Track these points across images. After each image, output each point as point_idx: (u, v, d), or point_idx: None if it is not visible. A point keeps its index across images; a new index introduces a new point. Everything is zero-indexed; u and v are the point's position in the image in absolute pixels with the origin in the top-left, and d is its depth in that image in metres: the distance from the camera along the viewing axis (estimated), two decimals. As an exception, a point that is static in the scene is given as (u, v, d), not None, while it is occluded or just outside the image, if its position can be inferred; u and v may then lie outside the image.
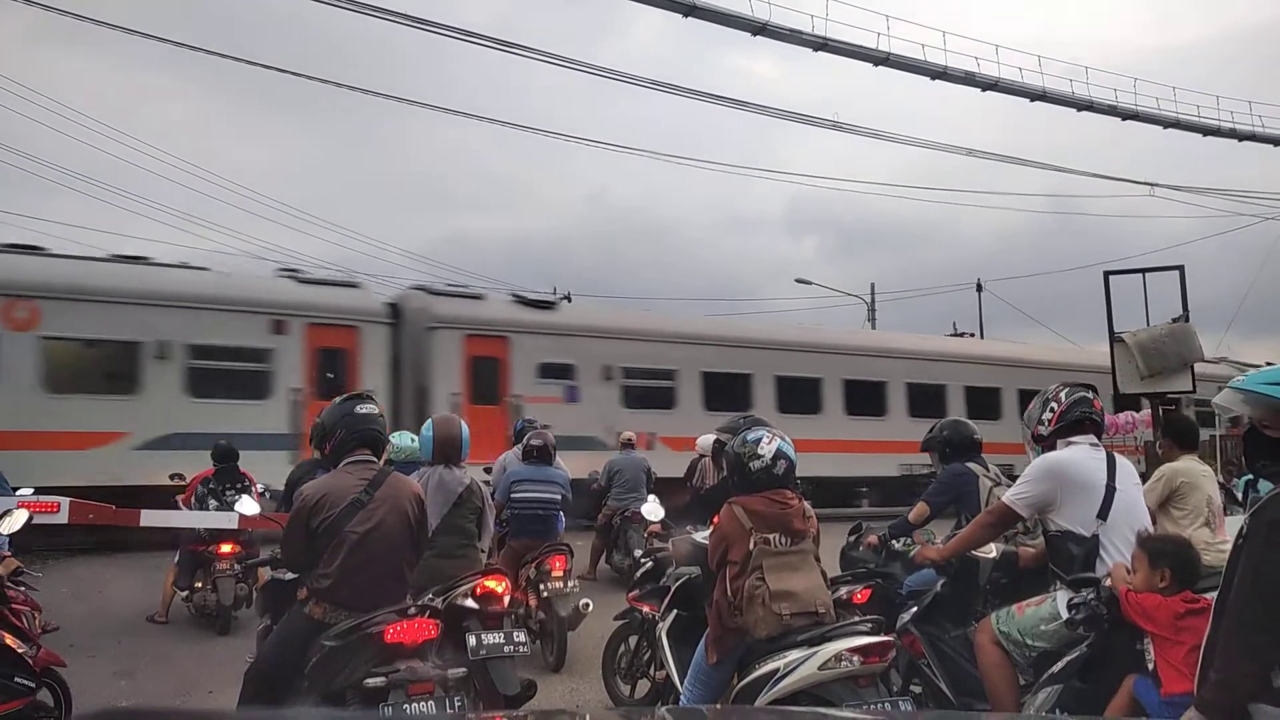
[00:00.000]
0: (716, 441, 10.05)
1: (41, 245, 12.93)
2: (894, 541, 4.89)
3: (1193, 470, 5.03)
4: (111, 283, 12.26)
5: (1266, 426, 2.41)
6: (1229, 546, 4.53)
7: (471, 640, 4.31)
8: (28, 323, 11.46)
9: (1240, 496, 7.24)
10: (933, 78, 17.78)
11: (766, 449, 3.75)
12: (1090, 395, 3.92)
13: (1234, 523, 5.02)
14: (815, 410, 17.04)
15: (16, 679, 3.83)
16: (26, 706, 3.89)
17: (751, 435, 3.85)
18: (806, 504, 3.82)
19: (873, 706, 3.38)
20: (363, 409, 3.81)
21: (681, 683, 4.15)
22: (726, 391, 16.05)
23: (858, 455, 17.05)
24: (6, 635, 3.95)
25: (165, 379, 12.25)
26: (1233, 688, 2.23)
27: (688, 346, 16.34)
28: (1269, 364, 2.61)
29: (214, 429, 10.22)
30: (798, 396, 16.76)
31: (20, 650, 3.92)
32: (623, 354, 15.67)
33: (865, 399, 17.70)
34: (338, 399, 3.97)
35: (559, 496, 7.27)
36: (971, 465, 5.03)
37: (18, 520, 4.65)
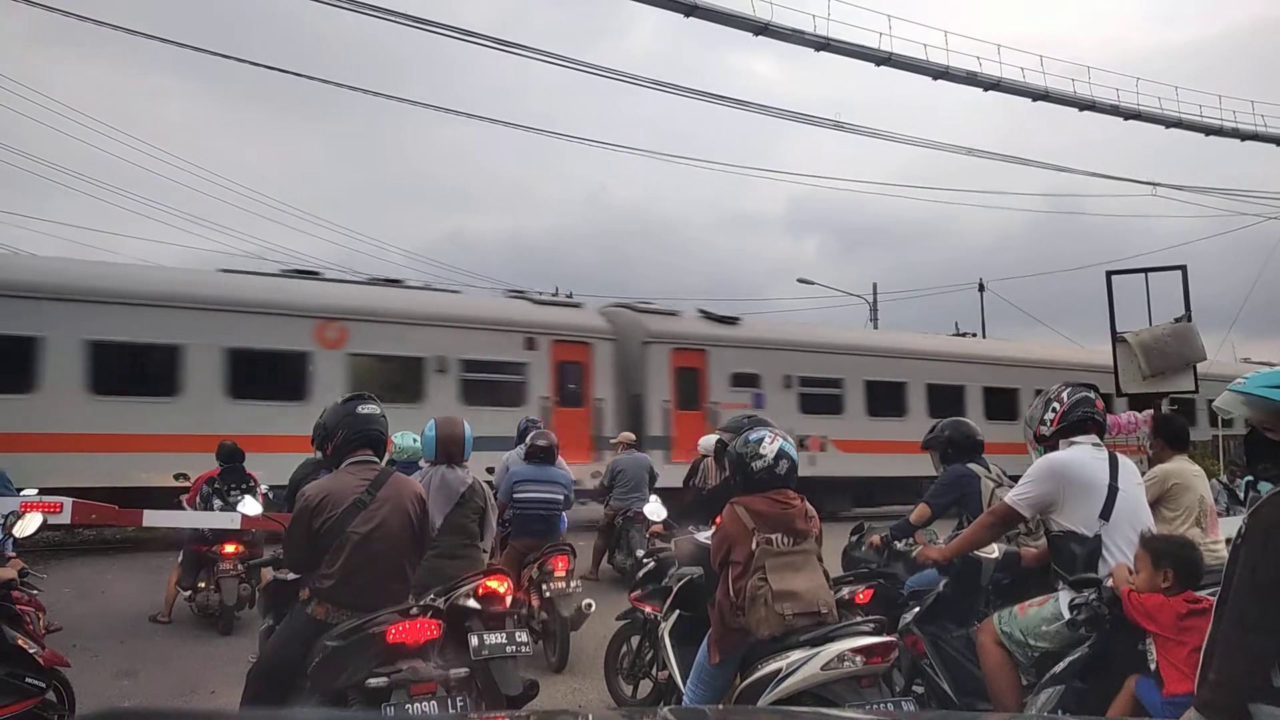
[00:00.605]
0: (718, 441, 10.09)
1: (316, 270, 15.08)
2: (896, 542, 4.89)
3: (1184, 471, 5.05)
4: (401, 306, 14.35)
5: (1268, 429, 2.41)
6: (1221, 546, 4.54)
7: (474, 640, 4.31)
8: (337, 341, 13.29)
9: (1242, 496, 7.23)
10: (935, 78, 17.77)
11: (769, 449, 3.75)
12: (1092, 395, 3.92)
13: (1234, 523, 5.02)
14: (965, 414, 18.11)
15: (28, 679, 3.85)
16: (35, 706, 3.90)
17: (754, 435, 3.84)
18: (808, 504, 3.82)
19: (875, 707, 3.38)
20: (364, 409, 3.81)
21: (684, 683, 4.15)
22: (886, 398, 17.65)
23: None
24: (19, 636, 3.97)
25: (444, 389, 13.89)
26: (1232, 688, 2.23)
27: (852, 357, 17.98)
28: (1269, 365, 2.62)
29: (482, 433, 10.71)
30: (948, 402, 17.37)
31: (31, 651, 3.94)
32: (798, 365, 17.22)
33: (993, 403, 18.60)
34: (340, 399, 3.97)
35: (561, 497, 7.27)
36: (973, 466, 5.03)
37: (32, 524, 4.67)
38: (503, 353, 14.52)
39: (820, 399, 17.17)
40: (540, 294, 16.82)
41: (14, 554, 5.15)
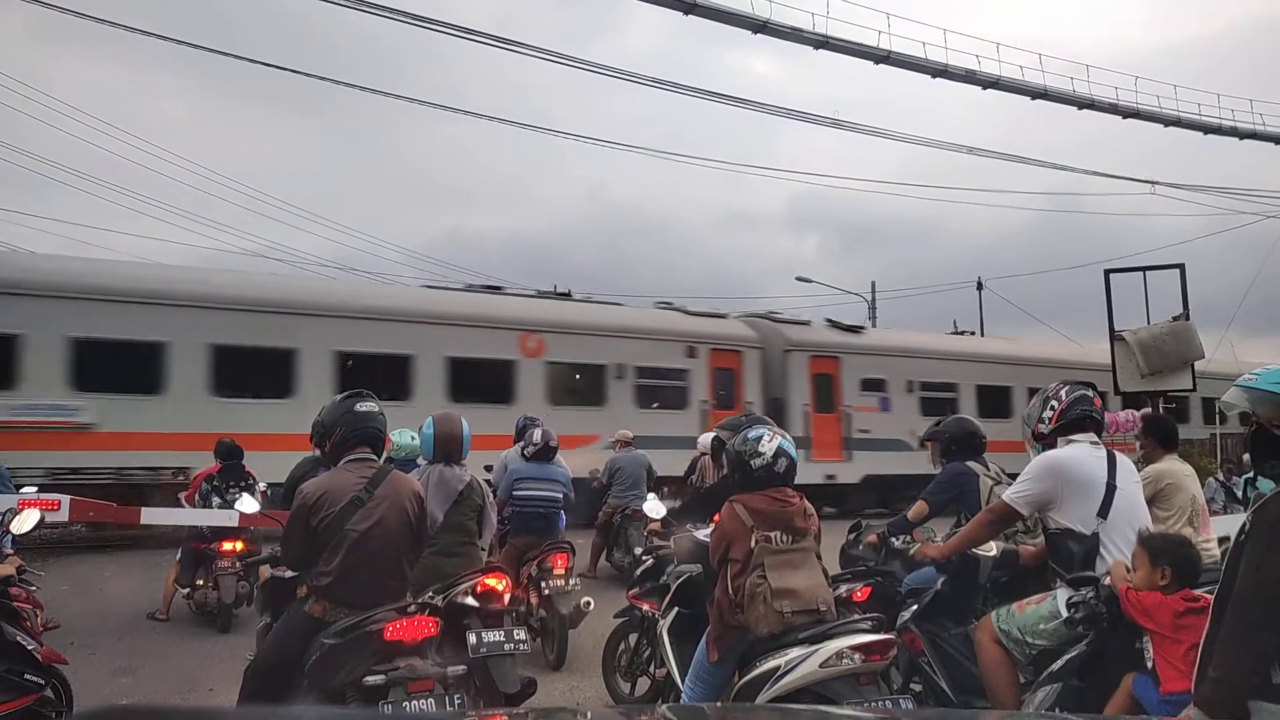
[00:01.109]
0: (715, 439, 10.08)
1: (501, 285, 16.86)
2: (894, 539, 4.89)
3: (1176, 471, 5.08)
4: (587, 319, 16.07)
5: (1276, 426, 2.40)
6: (1213, 545, 4.56)
7: (472, 638, 4.31)
8: (536, 351, 14.85)
9: (1241, 495, 7.25)
10: (933, 76, 17.76)
11: (768, 447, 3.75)
12: (1090, 393, 3.92)
13: (1231, 521, 5.03)
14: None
15: (26, 676, 3.85)
16: (33, 702, 3.90)
17: (753, 433, 3.84)
18: (807, 502, 3.82)
19: (873, 704, 3.38)
20: (362, 407, 3.81)
21: (682, 680, 4.15)
22: (993, 401, 18.41)
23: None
24: (17, 634, 3.97)
25: (622, 393, 15.52)
26: (1232, 685, 2.23)
27: (965, 364, 19.21)
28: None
29: (653, 433, 13.67)
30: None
31: (29, 647, 3.94)
32: (918, 370, 18.49)
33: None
34: (338, 397, 3.96)
35: (561, 495, 7.27)
36: (972, 464, 5.04)
37: (29, 520, 4.66)
38: (669, 360, 16.11)
39: (939, 402, 17.85)
40: (684, 307, 17.93)
41: (11, 551, 5.14)
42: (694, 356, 16.21)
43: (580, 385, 15.53)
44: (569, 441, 12.77)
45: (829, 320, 18.88)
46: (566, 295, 17.21)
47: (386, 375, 13.37)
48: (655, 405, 15.69)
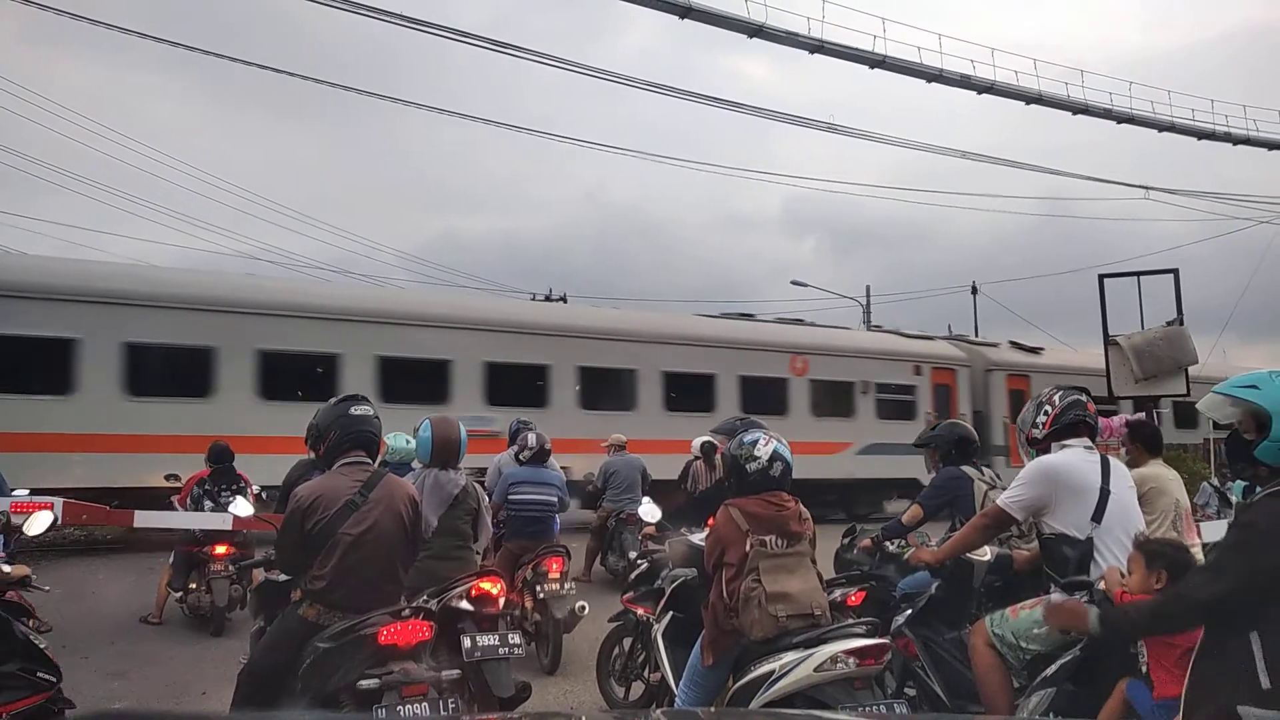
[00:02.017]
0: (706, 443, 10.09)
1: (753, 313, 20.29)
2: (888, 544, 4.90)
3: (1160, 475, 5.11)
4: (841, 343, 18.73)
5: (1245, 430, 2.44)
6: (1198, 549, 4.60)
7: (466, 642, 4.30)
8: (802, 370, 17.43)
9: (1238, 499, 7.25)
10: (929, 80, 17.79)
11: (763, 451, 3.75)
12: (1084, 398, 3.93)
13: (1224, 526, 5.05)
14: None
15: (39, 674, 3.86)
16: (45, 700, 3.91)
17: (749, 437, 3.84)
18: (802, 506, 3.82)
19: (868, 709, 3.39)
20: (357, 410, 3.80)
21: (677, 685, 4.14)
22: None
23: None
24: (30, 632, 3.98)
25: (866, 406, 17.95)
26: (1135, 625, 2.72)
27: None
28: None
29: (891, 440, 16.46)
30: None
31: (42, 645, 3.95)
32: (1090, 386, 19.65)
33: None
34: (332, 400, 3.95)
35: (555, 498, 7.26)
36: (966, 469, 5.05)
37: (43, 521, 4.65)
38: (901, 377, 18.51)
39: (1105, 413, 19.31)
40: (892, 328, 20.65)
41: (3, 554, 5.12)
42: (919, 374, 18.70)
43: (832, 399, 17.84)
44: (826, 448, 16.80)
45: (1012, 342, 21.29)
46: (750, 317, 19.95)
47: (693, 392, 16.04)
48: (892, 417, 17.88)
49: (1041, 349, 21.51)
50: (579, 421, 14.12)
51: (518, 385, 14.41)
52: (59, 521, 5.06)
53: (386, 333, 13.62)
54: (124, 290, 12.35)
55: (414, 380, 13.56)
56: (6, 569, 3.97)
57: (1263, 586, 2.33)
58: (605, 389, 15.49)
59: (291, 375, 12.90)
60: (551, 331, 15.36)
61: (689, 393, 15.96)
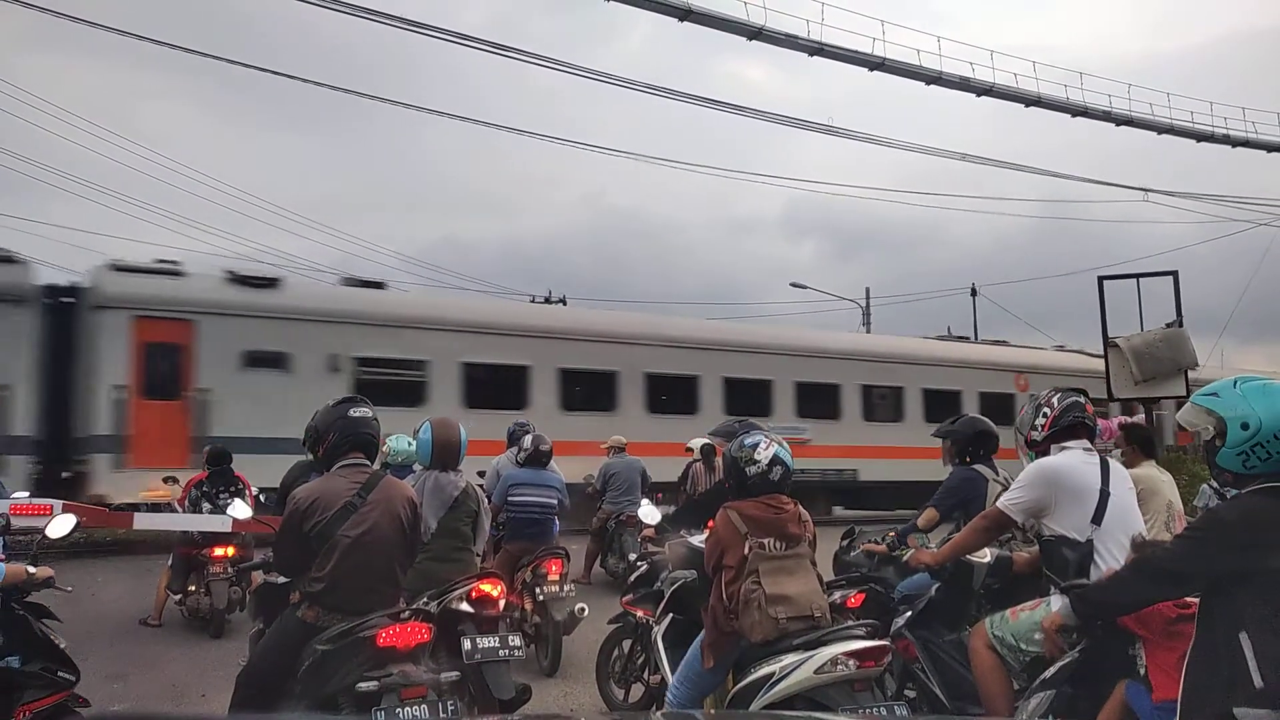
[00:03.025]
0: (706, 445, 10.08)
1: (966, 336, 22.75)
2: (904, 545, 4.86)
3: (1152, 476, 5.13)
4: (946, 354, 20.38)
5: (1216, 438, 2.48)
6: None
7: (466, 644, 4.30)
8: (1024, 386, 19.33)
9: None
10: (928, 83, 17.80)
11: (763, 454, 3.75)
12: (1083, 400, 3.92)
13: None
14: None
15: (59, 673, 3.88)
16: (65, 699, 3.93)
17: (749, 440, 3.84)
18: (802, 509, 3.82)
19: (868, 711, 3.38)
20: (356, 412, 3.79)
21: (676, 686, 4.14)
22: None
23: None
24: (51, 632, 4.02)
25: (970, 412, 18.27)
26: (1101, 605, 3.01)
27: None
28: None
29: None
30: None
31: (62, 645, 3.97)
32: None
33: None
34: (332, 401, 3.95)
35: (556, 500, 7.26)
36: (980, 468, 4.93)
37: (64, 524, 4.67)
38: (1000, 387, 19.68)
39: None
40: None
41: (2, 554, 5.11)
42: (1019, 386, 20.04)
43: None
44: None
45: (1079, 350, 22.31)
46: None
47: (817, 400, 17.57)
48: (996, 422, 19.52)
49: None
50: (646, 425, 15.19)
51: (673, 394, 16.23)
52: (80, 525, 5.06)
53: (567, 348, 15.43)
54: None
55: (587, 390, 15.51)
56: (32, 570, 4.00)
57: (1219, 573, 2.42)
58: (748, 398, 16.55)
59: (488, 386, 14.54)
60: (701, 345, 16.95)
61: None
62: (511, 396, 14.29)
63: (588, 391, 15.55)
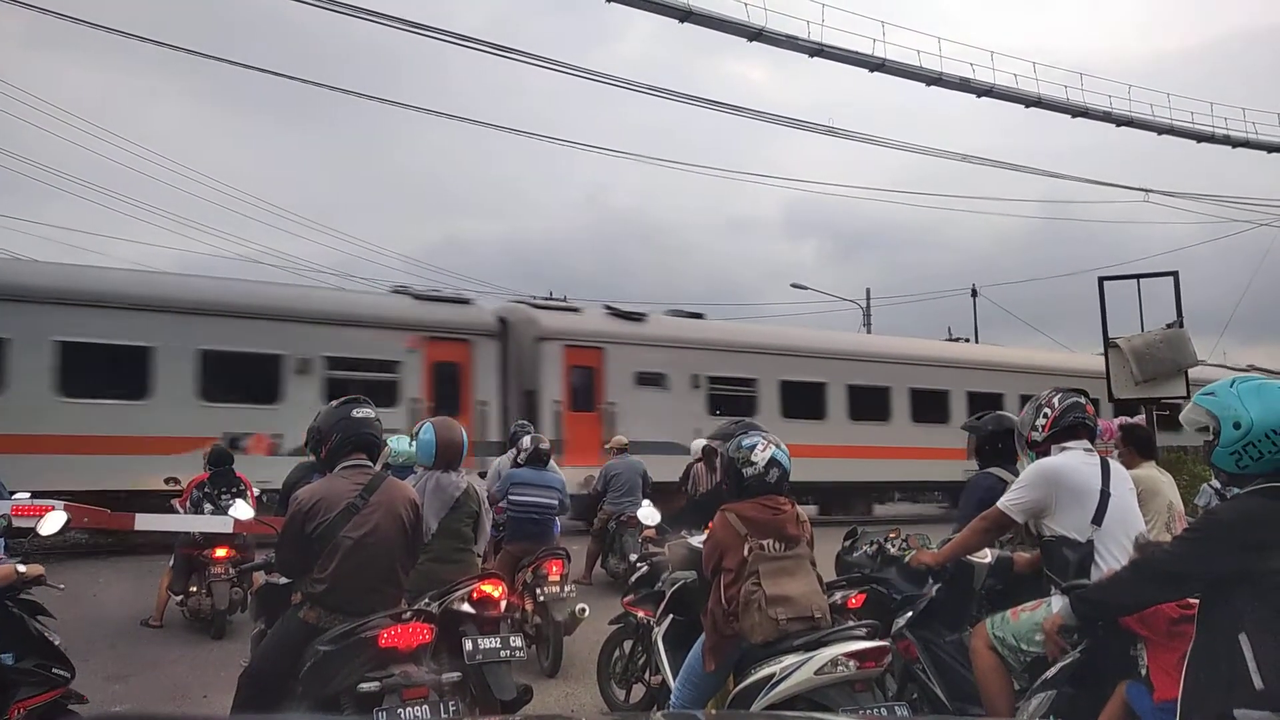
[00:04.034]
0: (707, 446, 10.08)
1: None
2: (889, 545, 4.86)
3: (1152, 477, 5.13)
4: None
5: (1213, 437, 2.49)
6: None
7: (467, 645, 4.30)
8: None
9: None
10: (928, 84, 17.81)
11: (760, 456, 3.76)
12: (1083, 400, 3.93)
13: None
14: None
15: (54, 669, 3.89)
16: (59, 696, 3.94)
17: (746, 441, 3.85)
18: (800, 509, 3.83)
19: (869, 711, 3.39)
20: (359, 413, 3.80)
21: (677, 687, 4.14)
22: None
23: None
24: (44, 629, 4.02)
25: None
26: (1103, 604, 2.99)
27: None
28: None
29: None
30: None
31: (56, 642, 3.98)
32: None
33: None
34: (334, 402, 3.95)
35: (556, 501, 7.26)
36: (999, 471, 4.77)
37: (55, 522, 4.68)
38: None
39: None
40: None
41: (2, 554, 5.12)
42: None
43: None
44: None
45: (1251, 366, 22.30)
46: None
47: (869, 407, 18.15)
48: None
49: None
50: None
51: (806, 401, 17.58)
52: (71, 522, 5.08)
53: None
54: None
55: (733, 396, 16.66)
56: (23, 569, 4.01)
57: (1217, 574, 2.42)
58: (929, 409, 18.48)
59: (799, 399, 17.18)
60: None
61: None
62: (812, 408, 17.35)
63: (868, 404, 18.13)
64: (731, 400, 16.15)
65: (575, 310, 16.68)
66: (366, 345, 13.91)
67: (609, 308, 16.51)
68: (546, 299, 19.59)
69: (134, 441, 11.96)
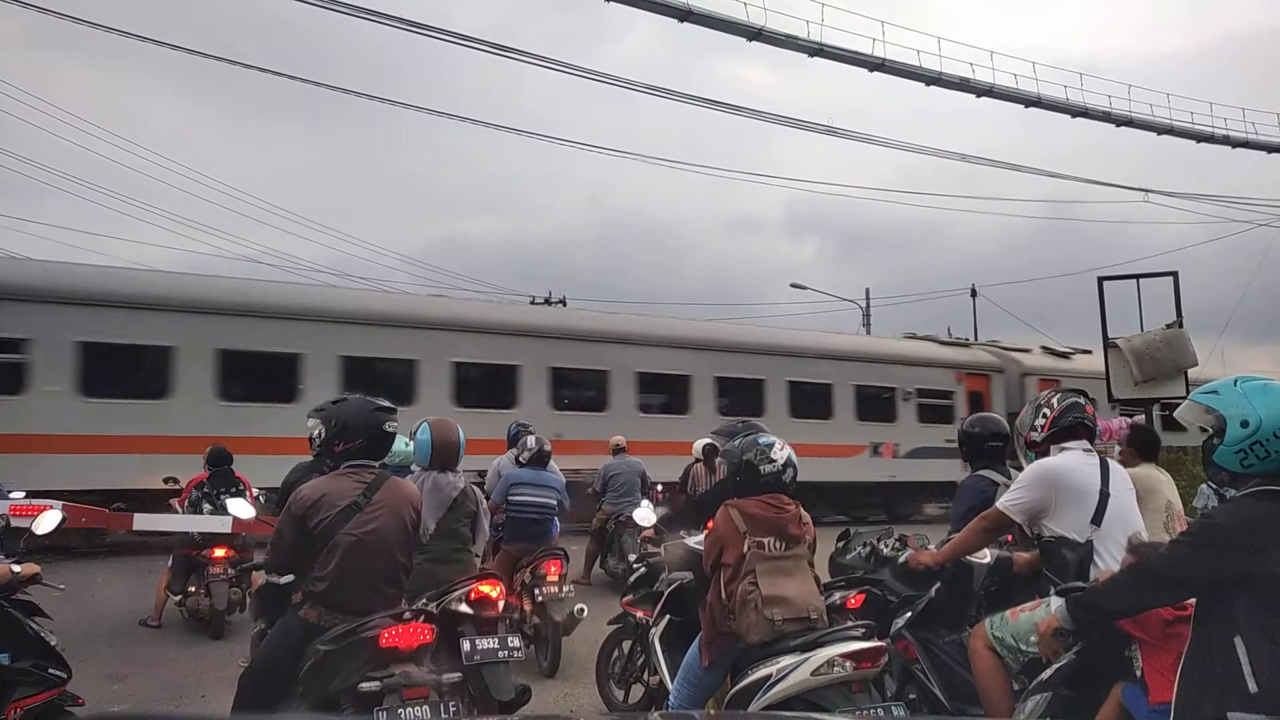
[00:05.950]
0: (708, 445, 10.09)
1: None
2: (882, 546, 4.86)
3: (1151, 476, 5.13)
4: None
5: (1215, 436, 2.49)
6: None
7: (466, 645, 4.31)
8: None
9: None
10: (928, 84, 17.80)
11: (780, 455, 3.81)
12: (1083, 400, 3.93)
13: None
14: None
15: (50, 670, 3.89)
16: (56, 696, 3.95)
17: (764, 439, 3.89)
18: (803, 510, 3.83)
19: (866, 712, 3.39)
20: (390, 427, 3.80)
21: (674, 686, 4.15)
22: None
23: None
24: (41, 629, 4.03)
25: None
26: (1097, 609, 2.94)
27: None
28: None
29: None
30: None
31: (53, 642, 3.98)
32: None
33: None
34: (363, 401, 3.86)
35: (555, 501, 7.26)
36: (991, 473, 4.76)
37: (51, 520, 4.69)
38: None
39: None
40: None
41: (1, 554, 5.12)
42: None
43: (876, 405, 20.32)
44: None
45: (1044, 347, 23.00)
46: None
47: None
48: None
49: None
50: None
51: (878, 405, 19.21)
52: (67, 522, 5.10)
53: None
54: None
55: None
56: (17, 569, 4.01)
57: (1215, 579, 2.42)
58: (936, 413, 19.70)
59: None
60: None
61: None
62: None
63: (935, 413, 19.61)
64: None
65: (1028, 351, 21.70)
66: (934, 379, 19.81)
67: (1045, 348, 21.34)
68: (546, 299, 19.56)
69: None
